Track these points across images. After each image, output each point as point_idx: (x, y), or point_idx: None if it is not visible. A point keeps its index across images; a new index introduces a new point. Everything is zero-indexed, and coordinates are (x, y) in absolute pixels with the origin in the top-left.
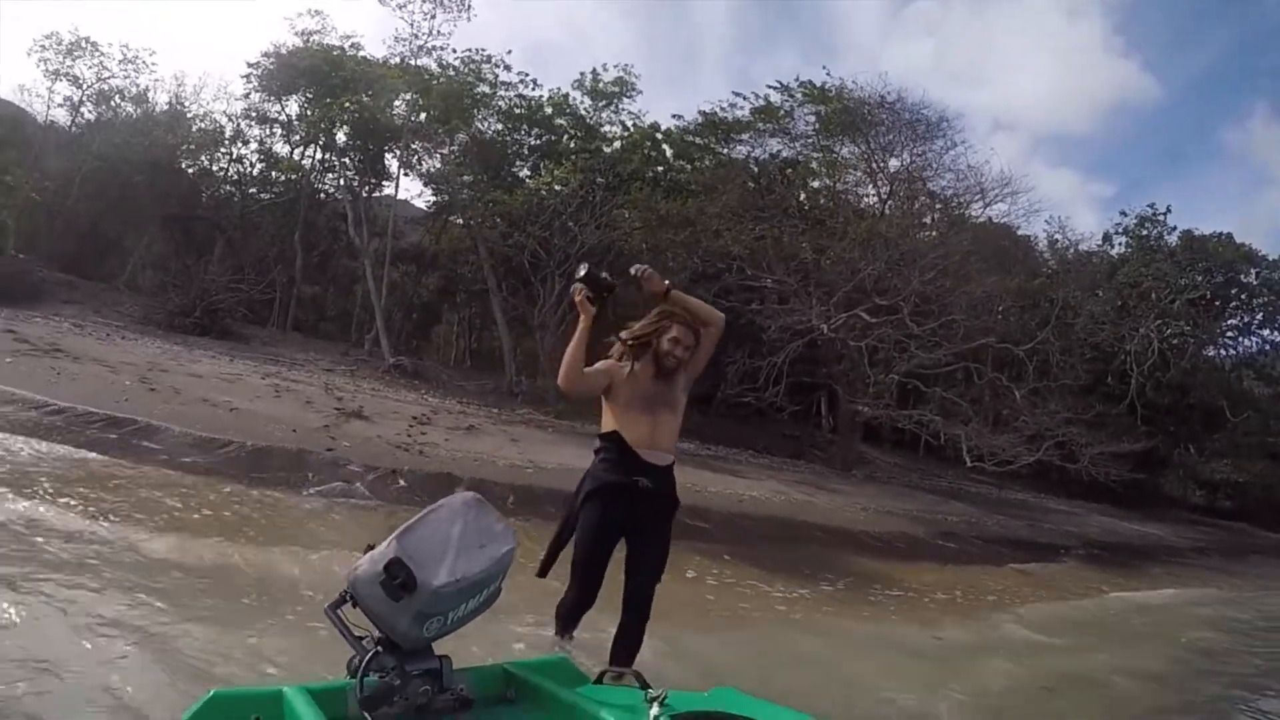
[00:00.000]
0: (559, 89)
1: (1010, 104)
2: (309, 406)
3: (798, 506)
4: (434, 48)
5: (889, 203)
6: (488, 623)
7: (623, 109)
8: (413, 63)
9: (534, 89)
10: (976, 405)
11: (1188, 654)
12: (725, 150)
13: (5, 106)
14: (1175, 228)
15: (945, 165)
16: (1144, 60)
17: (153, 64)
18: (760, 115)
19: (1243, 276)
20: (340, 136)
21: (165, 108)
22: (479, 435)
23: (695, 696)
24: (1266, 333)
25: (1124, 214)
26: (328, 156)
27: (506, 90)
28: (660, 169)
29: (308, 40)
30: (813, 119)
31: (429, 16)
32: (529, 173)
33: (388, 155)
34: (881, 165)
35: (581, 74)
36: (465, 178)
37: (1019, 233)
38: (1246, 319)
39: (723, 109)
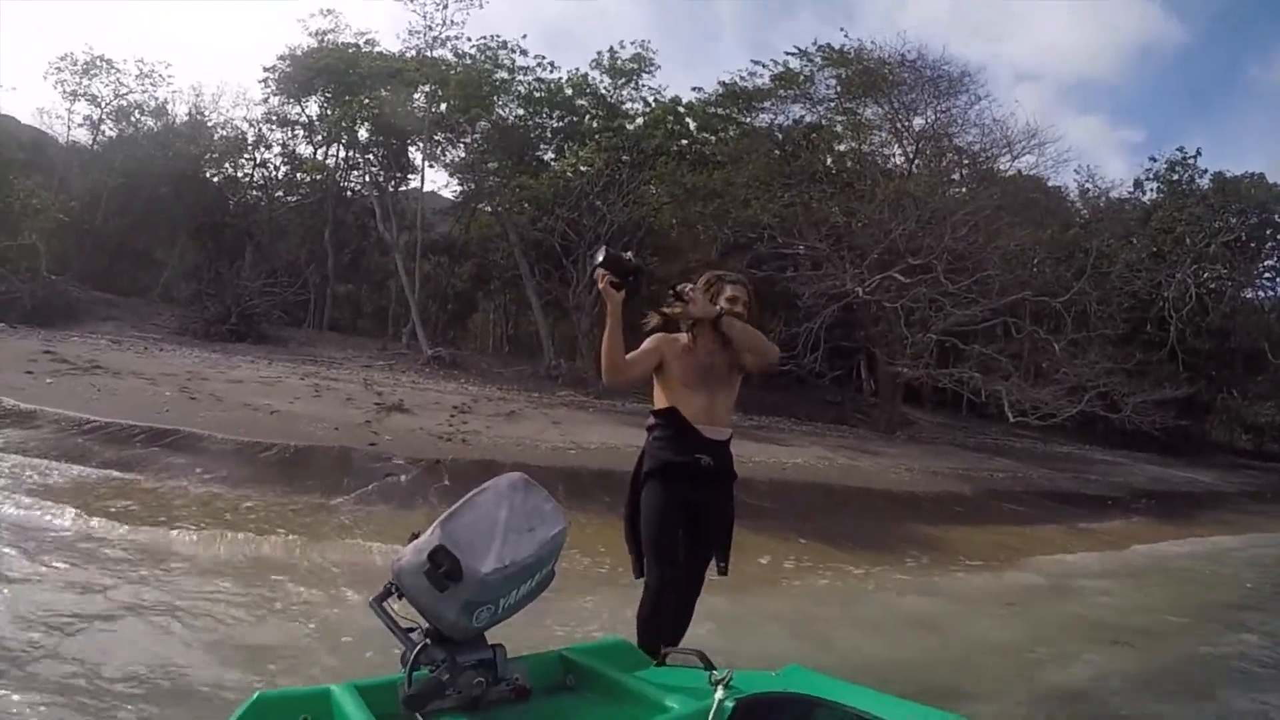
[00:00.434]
0: (577, 69)
1: (1032, 54)
2: (350, 403)
3: (842, 471)
4: (448, 38)
5: (916, 162)
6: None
7: (643, 85)
8: (429, 54)
9: (552, 71)
10: (1016, 360)
11: (1256, 599)
12: (748, 119)
13: (26, 130)
14: (1206, 170)
15: (970, 120)
16: (1165, 1)
17: (169, 76)
18: (781, 82)
19: (1277, 217)
20: (362, 133)
21: (185, 119)
22: (520, 420)
23: (763, 676)
24: None
25: (1154, 159)
26: (351, 154)
27: (525, 75)
28: (684, 142)
29: (322, 40)
30: (834, 82)
31: (441, 7)
32: (553, 155)
33: (411, 148)
34: (906, 124)
35: (599, 53)
36: (490, 165)
37: (1049, 184)
38: None
39: (742, 78)
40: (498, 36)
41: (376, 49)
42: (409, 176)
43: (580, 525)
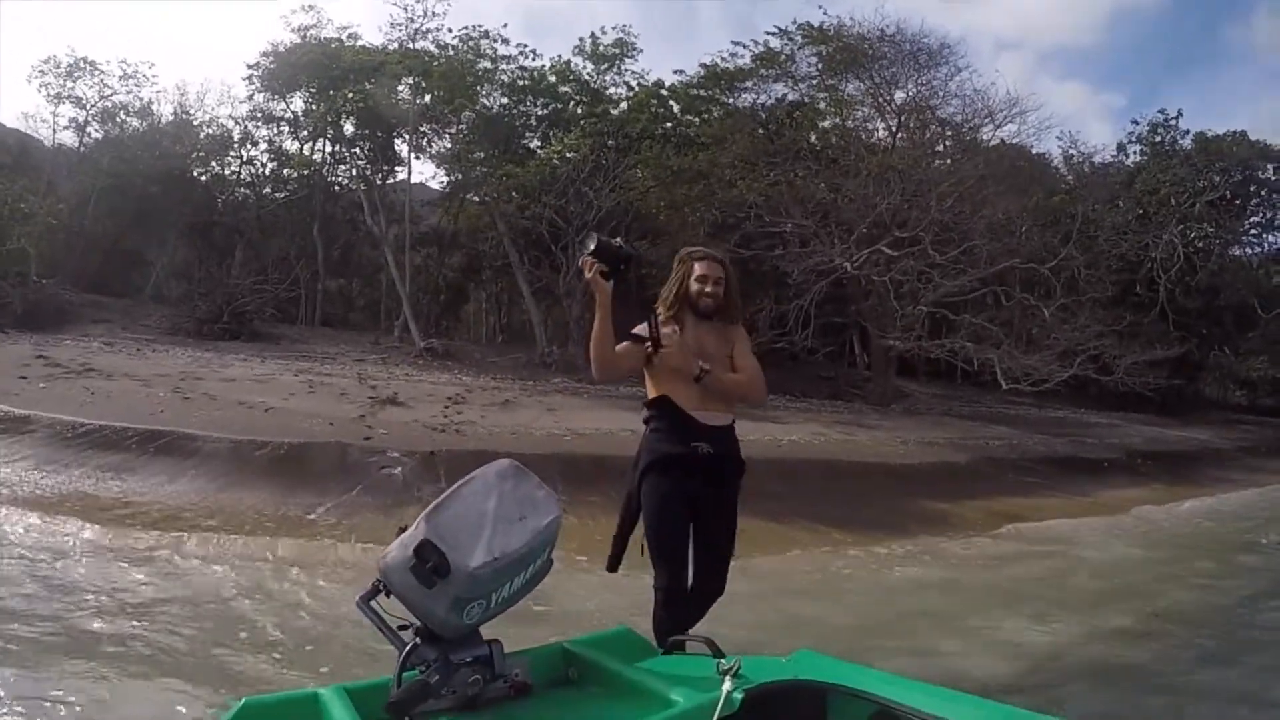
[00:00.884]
0: (560, 56)
1: (1012, 21)
2: (344, 398)
3: (837, 446)
4: (429, 30)
5: (899, 135)
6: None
7: (625, 70)
8: (411, 46)
9: (534, 59)
10: (1007, 328)
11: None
12: (731, 100)
13: (10, 134)
14: (1188, 131)
15: (951, 92)
16: None
17: (153, 77)
18: (762, 62)
19: (1260, 173)
20: (348, 128)
21: (171, 118)
22: (515, 409)
23: (773, 663)
24: None
25: (1135, 122)
26: (338, 149)
27: (507, 64)
28: (669, 125)
29: (305, 36)
30: (815, 60)
31: None
32: (539, 143)
33: (397, 141)
34: (888, 99)
35: (581, 39)
36: (476, 155)
37: (1034, 152)
38: (1269, 215)
39: (724, 59)
40: (479, 26)
41: (359, 43)
42: (396, 169)
43: (577, 513)
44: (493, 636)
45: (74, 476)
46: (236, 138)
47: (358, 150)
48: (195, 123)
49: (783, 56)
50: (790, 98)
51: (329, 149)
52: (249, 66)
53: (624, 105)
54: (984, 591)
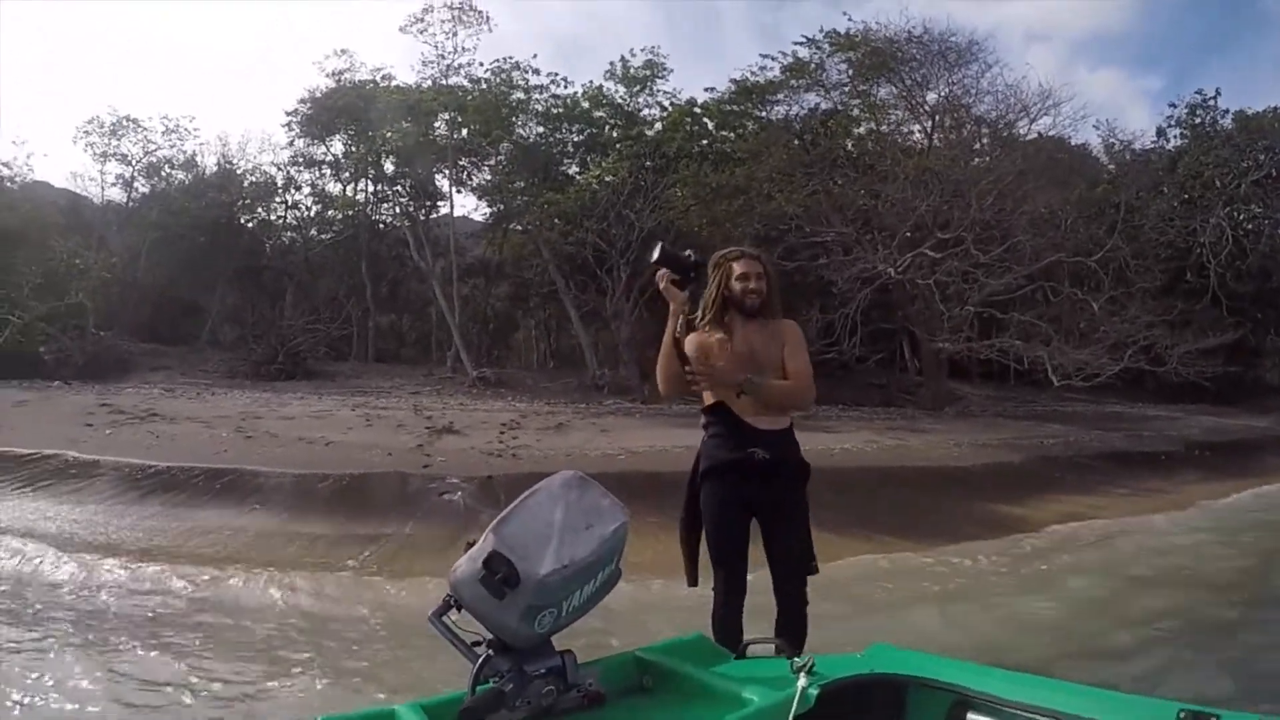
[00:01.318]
0: (591, 82)
1: (1040, 12)
2: (401, 429)
3: (890, 452)
4: (461, 65)
5: (935, 136)
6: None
7: (657, 90)
8: (444, 83)
9: (566, 87)
10: (1056, 324)
11: None
12: (764, 113)
13: (61, 194)
14: (1227, 111)
15: (983, 89)
16: None
17: (195, 130)
18: (792, 73)
19: None
20: (388, 166)
21: (215, 169)
22: (569, 431)
23: (848, 659)
24: None
25: (1173, 105)
26: (379, 187)
27: (540, 93)
28: (704, 143)
29: (339, 80)
30: (845, 67)
31: (450, 35)
32: (577, 169)
33: (437, 176)
34: (920, 100)
35: (611, 63)
36: (516, 185)
37: (1072, 143)
38: None
39: (753, 73)
40: (510, 58)
41: (393, 83)
42: (438, 203)
43: (635, 529)
44: (565, 648)
45: (143, 516)
46: (280, 183)
47: (399, 188)
48: (239, 171)
49: (812, 66)
50: (823, 106)
51: (371, 188)
52: (287, 114)
53: (658, 126)
54: (1042, 590)
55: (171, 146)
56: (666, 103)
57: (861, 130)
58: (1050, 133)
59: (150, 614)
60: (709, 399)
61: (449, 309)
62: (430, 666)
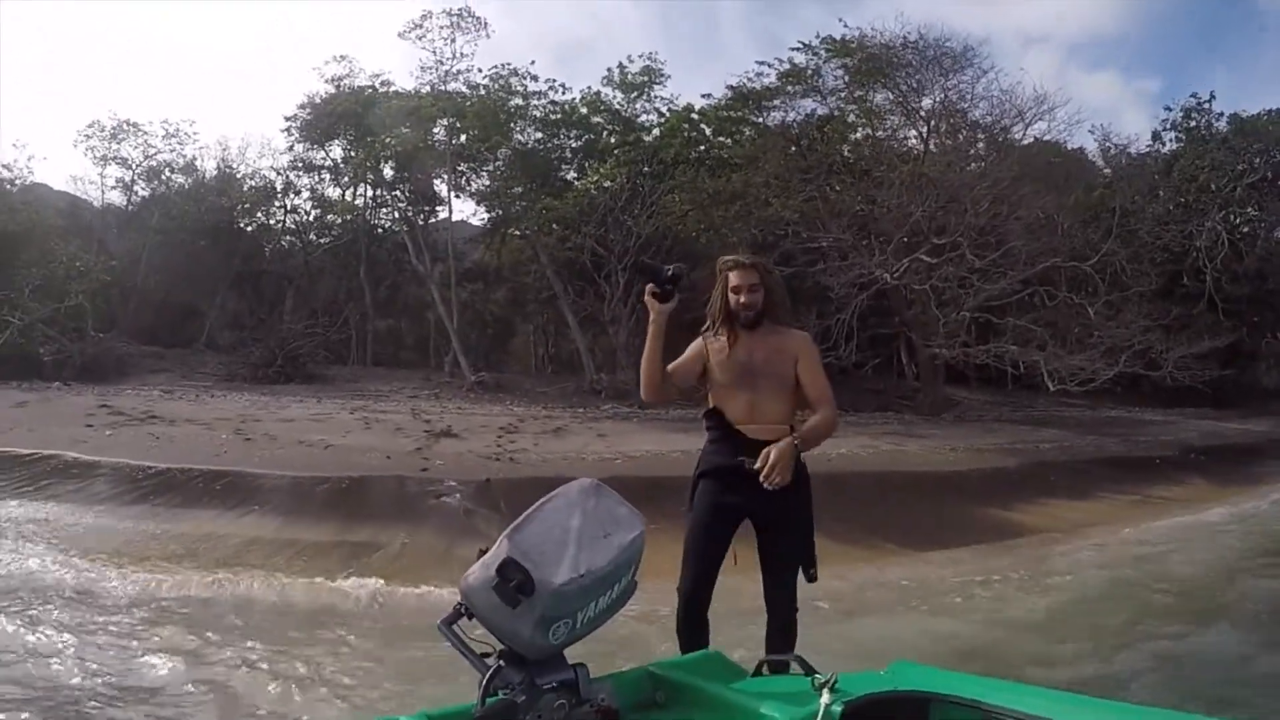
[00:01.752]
0: (589, 88)
1: (1036, 16)
2: (400, 433)
3: (887, 457)
4: (460, 71)
5: (931, 142)
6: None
7: (655, 96)
8: (443, 89)
9: (564, 93)
10: (1051, 329)
11: None
12: (761, 119)
13: (61, 197)
14: (1222, 114)
15: (979, 94)
16: None
17: (195, 134)
18: (788, 79)
19: None
20: (387, 171)
21: (215, 173)
22: (566, 436)
23: (870, 676)
24: None
25: (1168, 109)
26: (378, 192)
27: (539, 99)
28: (702, 148)
29: (339, 86)
30: (841, 72)
31: (449, 41)
32: (575, 175)
33: (436, 181)
34: (916, 106)
35: (609, 69)
36: (515, 190)
37: (1069, 147)
38: None
39: (750, 79)
40: (508, 65)
41: (392, 88)
42: (437, 208)
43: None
44: (577, 660)
45: (141, 517)
46: (279, 188)
47: (398, 193)
48: (238, 176)
49: (809, 72)
50: (819, 112)
51: (370, 193)
52: (287, 119)
53: (656, 131)
54: (1036, 595)
55: (171, 150)
56: (664, 109)
57: (858, 136)
58: (1046, 137)
59: (146, 615)
60: (710, 402)
61: (447, 313)
62: (433, 674)
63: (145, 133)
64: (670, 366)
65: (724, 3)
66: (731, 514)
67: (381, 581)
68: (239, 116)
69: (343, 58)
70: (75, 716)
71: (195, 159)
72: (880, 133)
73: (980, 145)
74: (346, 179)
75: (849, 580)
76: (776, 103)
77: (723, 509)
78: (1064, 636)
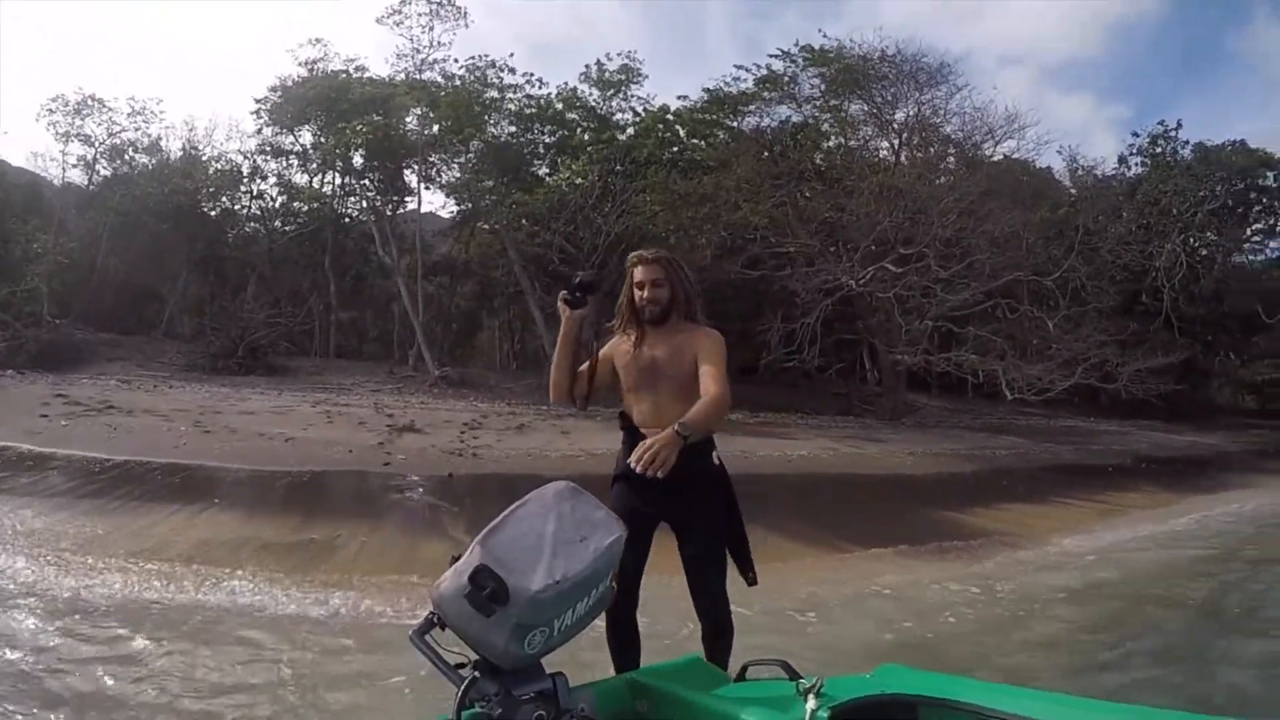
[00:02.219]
0: (566, 84)
1: (1014, 37)
2: (362, 427)
3: (846, 460)
4: (436, 60)
5: (902, 154)
6: None
7: (631, 95)
8: (418, 77)
9: (541, 88)
10: (1012, 340)
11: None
12: (735, 123)
13: (21, 175)
14: (1188, 142)
15: (952, 110)
16: None
17: (161, 113)
18: (765, 85)
19: (1261, 181)
20: (357, 159)
21: (180, 154)
22: (530, 432)
23: (856, 680)
24: None
25: (1136, 134)
26: (347, 180)
27: (514, 93)
28: (675, 149)
29: (312, 69)
30: (818, 81)
31: (427, 29)
32: (547, 170)
33: (406, 171)
34: (890, 118)
35: (587, 66)
36: (486, 183)
37: (1038, 166)
38: (1271, 221)
39: (727, 83)
40: (485, 56)
41: (366, 74)
42: (406, 199)
43: None
44: (556, 670)
45: (96, 510)
46: (245, 172)
47: (367, 181)
48: (204, 158)
49: (785, 79)
50: (794, 119)
51: (338, 181)
52: (257, 101)
53: (630, 130)
54: (991, 595)
55: (136, 129)
56: (640, 108)
57: (830, 144)
58: (1015, 155)
59: (101, 613)
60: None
61: (413, 306)
62: (399, 678)
63: (110, 109)
64: (582, 368)
65: (710, 5)
66: (644, 520)
67: (343, 585)
68: (207, 97)
69: (317, 41)
70: None
71: (161, 139)
72: (853, 142)
73: (950, 160)
74: (315, 165)
75: (802, 574)
76: (752, 108)
77: (634, 515)
78: (1021, 634)
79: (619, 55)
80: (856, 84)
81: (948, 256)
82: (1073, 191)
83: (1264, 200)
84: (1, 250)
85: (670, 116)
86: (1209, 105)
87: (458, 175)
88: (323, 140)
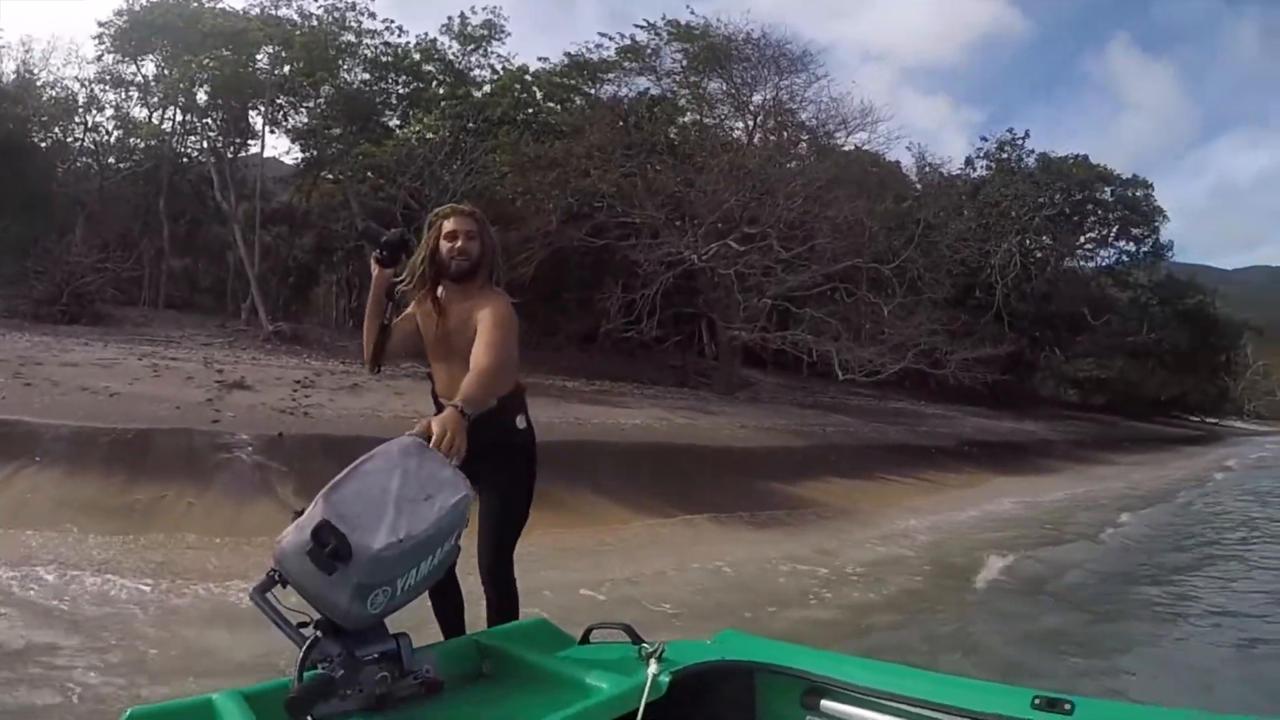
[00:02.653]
0: (426, 34)
1: (882, 36)
2: (190, 382)
3: (679, 430)
4: None
5: (756, 135)
6: None
7: (492, 53)
8: (273, 13)
9: (400, 36)
10: (846, 323)
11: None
12: (593, 90)
13: None
14: (1034, 151)
15: (809, 98)
16: None
17: None
18: (626, 55)
19: (1098, 194)
20: (201, 96)
21: (13, 77)
22: (363, 393)
23: (698, 645)
24: (1122, 244)
25: (984, 139)
26: (189, 118)
27: (372, 38)
28: (530, 111)
29: None
30: (680, 56)
31: None
32: (398, 122)
33: (252, 112)
34: (747, 99)
35: (449, 18)
36: (333, 131)
37: (887, 159)
38: (1104, 232)
39: (589, 50)
40: None
41: (219, 5)
42: (249, 142)
43: None
44: (400, 631)
45: None
46: (82, 102)
47: (209, 120)
48: (39, 84)
49: (648, 51)
50: (652, 92)
51: (179, 118)
52: (100, 24)
53: (487, 88)
54: (814, 563)
55: None
56: (499, 66)
57: (686, 120)
58: (866, 146)
59: None
60: None
61: (248, 256)
62: (237, 645)
63: None
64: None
65: None
66: None
67: (169, 537)
68: (46, 14)
69: None
70: None
71: None
72: (708, 120)
73: (802, 145)
74: (156, 100)
75: (629, 538)
76: (611, 76)
77: None
78: (838, 599)
79: (484, 10)
80: (718, 62)
81: (791, 238)
82: (918, 186)
83: (1099, 212)
84: None
85: (528, 77)
86: (1057, 118)
87: (305, 121)
88: (167, 73)
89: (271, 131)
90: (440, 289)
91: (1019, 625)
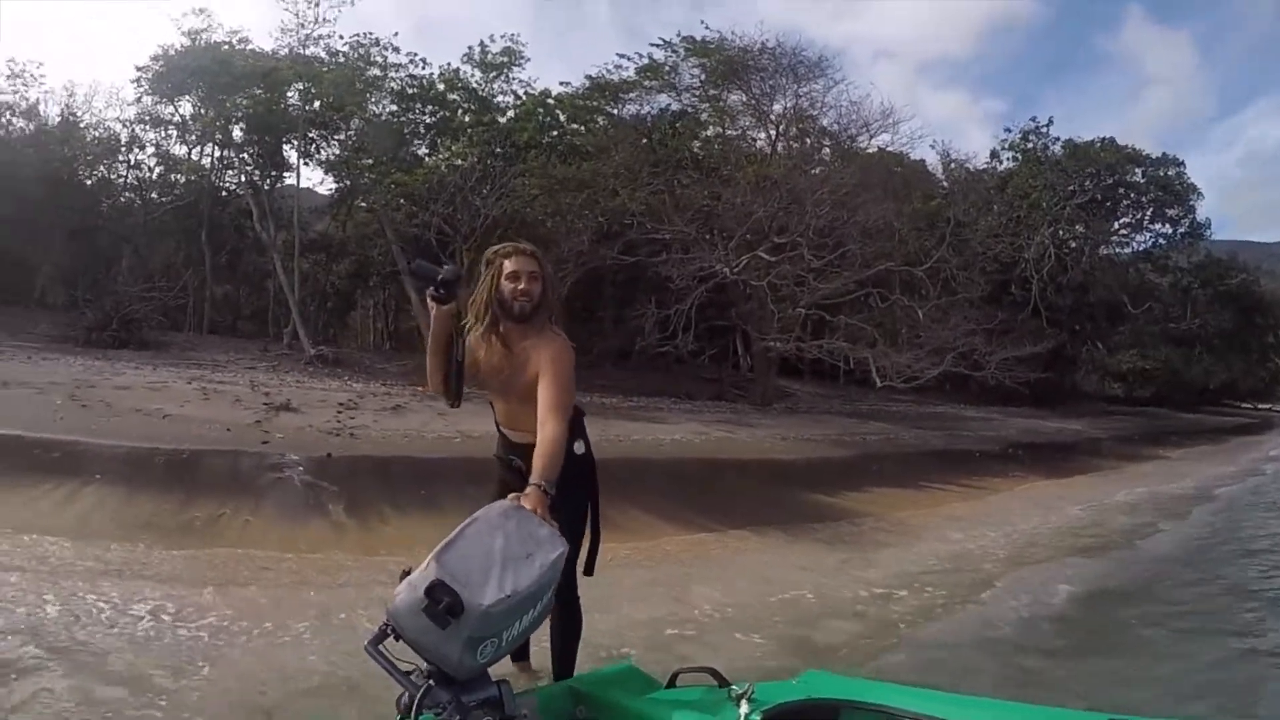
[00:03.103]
0: (449, 64)
1: (889, 32)
2: (238, 405)
3: (717, 444)
4: (320, 36)
5: (779, 144)
6: None
7: (513, 78)
8: (301, 53)
9: (423, 67)
10: (882, 328)
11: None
12: (615, 110)
13: None
14: (1058, 138)
15: (829, 103)
16: None
17: (41, 76)
18: (646, 74)
19: (1129, 177)
20: (236, 133)
21: (58, 120)
22: (406, 414)
23: (783, 686)
24: (1158, 226)
25: (1008, 130)
26: (226, 153)
27: (397, 71)
28: (555, 134)
29: (195, 39)
30: (698, 71)
31: (313, 4)
32: (427, 151)
33: (286, 146)
34: (768, 109)
35: (470, 48)
36: (365, 161)
37: (912, 158)
38: (1138, 216)
39: (609, 71)
40: (370, 34)
41: (249, 48)
42: (284, 174)
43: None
44: (499, 678)
45: None
46: (124, 141)
47: (246, 155)
48: (82, 125)
49: (666, 68)
50: (673, 108)
51: (217, 154)
52: (138, 69)
53: (511, 114)
54: (854, 577)
55: (14, 92)
56: (521, 91)
57: (709, 133)
58: (889, 148)
59: None
60: None
61: (288, 283)
62: (303, 667)
63: None
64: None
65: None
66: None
67: (228, 554)
68: (89, 62)
69: (201, 11)
70: None
71: (39, 103)
72: (731, 132)
73: (826, 151)
74: (194, 137)
75: (670, 555)
76: (632, 95)
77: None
78: (888, 614)
79: (503, 38)
80: (736, 75)
81: (821, 246)
82: (945, 184)
83: (1131, 195)
84: None
85: (551, 101)
86: (1078, 101)
87: (337, 152)
88: (203, 112)
89: (305, 164)
90: (500, 325)
91: (1123, 651)
